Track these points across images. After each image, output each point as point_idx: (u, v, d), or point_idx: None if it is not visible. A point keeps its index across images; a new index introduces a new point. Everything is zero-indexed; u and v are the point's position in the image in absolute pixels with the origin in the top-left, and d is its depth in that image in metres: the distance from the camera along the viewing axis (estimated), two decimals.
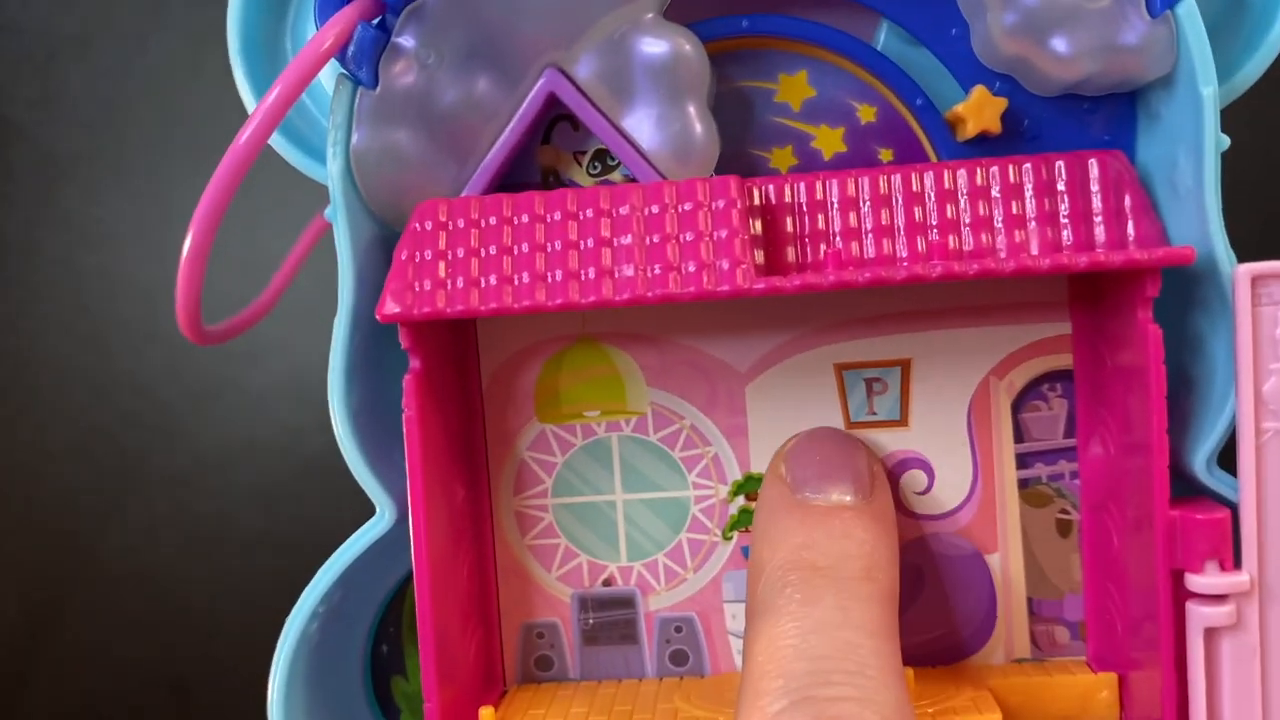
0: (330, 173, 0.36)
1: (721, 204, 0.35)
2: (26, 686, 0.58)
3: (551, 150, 0.40)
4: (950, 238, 0.37)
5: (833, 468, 0.36)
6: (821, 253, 0.37)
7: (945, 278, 0.33)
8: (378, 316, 0.35)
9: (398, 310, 0.35)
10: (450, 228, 0.36)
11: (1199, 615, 0.34)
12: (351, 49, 0.36)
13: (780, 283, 0.34)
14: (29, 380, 0.58)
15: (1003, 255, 0.36)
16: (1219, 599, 0.33)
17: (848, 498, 0.35)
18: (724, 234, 0.35)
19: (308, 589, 0.37)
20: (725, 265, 0.34)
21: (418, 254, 0.36)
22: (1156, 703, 0.35)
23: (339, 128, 0.36)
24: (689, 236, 0.35)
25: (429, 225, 0.36)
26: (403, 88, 0.37)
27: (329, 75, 0.39)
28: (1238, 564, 0.34)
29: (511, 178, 0.39)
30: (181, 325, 0.36)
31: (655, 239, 0.35)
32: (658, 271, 0.35)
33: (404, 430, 0.36)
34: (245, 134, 0.34)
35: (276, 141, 0.39)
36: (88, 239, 0.59)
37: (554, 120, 0.40)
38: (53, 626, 0.58)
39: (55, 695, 0.58)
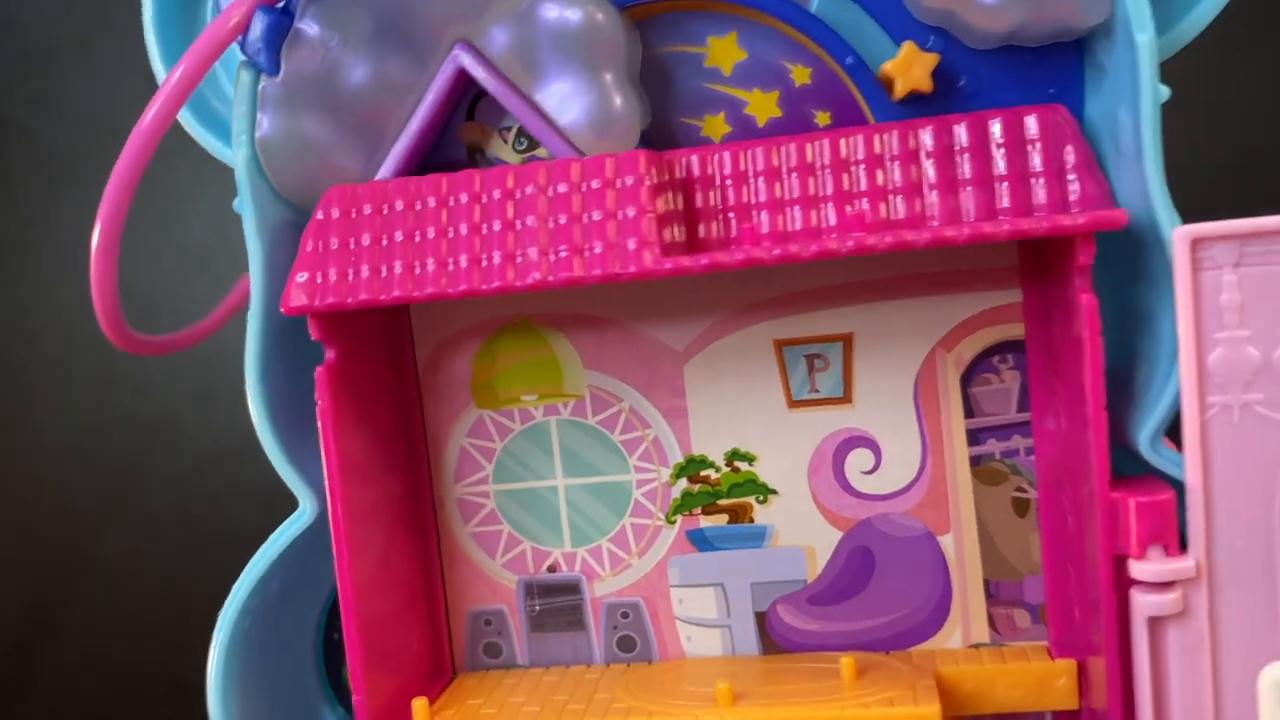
0: (235, 163, 0.36)
1: (630, 180, 0.33)
2: (27, 687, 0.58)
3: (476, 127, 0.39)
4: (880, 205, 0.34)
5: None
6: (741, 228, 0.35)
7: (819, 256, 0.32)
8: (282, 309, 0.34)
9: (303, 301, 0.34)
10: (355, 214, 0.35)
11: (1142, 604, 0.31)
12: (250, 34, 0.35)
13: (687, 263, 0.32)
14: (29, 380, 0.57)
15: (935, 224, 0.34)
16: (1164, 586, 0.31)
17: None
18: (631, 212, 0.33)
19: (235, 587, 0.37)
20: (632, 245, 0.33)
21: (323, 243, 0.35)
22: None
23: (242, 117, 0.36)
24: (596, 216, 0.33)
25: (335, 213, 0.35)
26: (307, 73, 0.36)
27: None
28: (1184, 547, 0.31)
29: (436, 157, 0.38)
30: (102, 324, 0.35)
31: (561, 220, 0.33)
32: (563, 254, 0.33)
33: (318, 422, 0.35)
34: (148, 116, 0.33)
35: (198, 132, 0.38)
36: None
37: (478, 96, 0.38)
38: (53, 627, 0.57)
39: (55, 696, 0.58)
